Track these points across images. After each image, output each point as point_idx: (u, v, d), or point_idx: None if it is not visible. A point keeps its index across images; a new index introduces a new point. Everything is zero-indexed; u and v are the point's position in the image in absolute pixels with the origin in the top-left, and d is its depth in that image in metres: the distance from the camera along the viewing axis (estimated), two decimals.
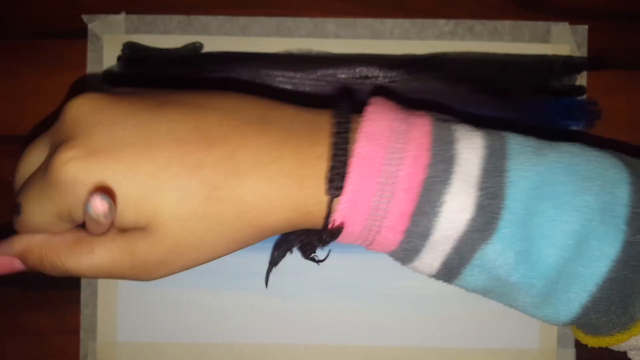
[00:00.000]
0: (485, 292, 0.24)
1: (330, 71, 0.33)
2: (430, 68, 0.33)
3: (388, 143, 0.22)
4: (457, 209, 0.21)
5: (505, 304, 0.24)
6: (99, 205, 0.19)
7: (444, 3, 0.33)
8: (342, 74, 0.33)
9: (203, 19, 0.33)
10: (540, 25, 0.33)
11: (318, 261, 0.25)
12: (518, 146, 0.23)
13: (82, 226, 0.23)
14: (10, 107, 0.33)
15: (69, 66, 0.33)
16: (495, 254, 0.22)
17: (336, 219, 0.22)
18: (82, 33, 0.33)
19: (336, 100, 0.24)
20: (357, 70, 0.33)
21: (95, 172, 0.20)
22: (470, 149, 0.22)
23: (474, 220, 0.21)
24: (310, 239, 0.24)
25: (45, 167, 0.21)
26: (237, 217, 0.21)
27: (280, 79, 0.33)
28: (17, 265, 0.23)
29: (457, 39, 0.33)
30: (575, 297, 0.22)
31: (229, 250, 0.23)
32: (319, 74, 0.33)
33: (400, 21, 0.33)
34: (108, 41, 0.33)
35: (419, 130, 0.22)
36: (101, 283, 0.33)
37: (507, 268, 0.22)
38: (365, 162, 0.22)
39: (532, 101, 0.33)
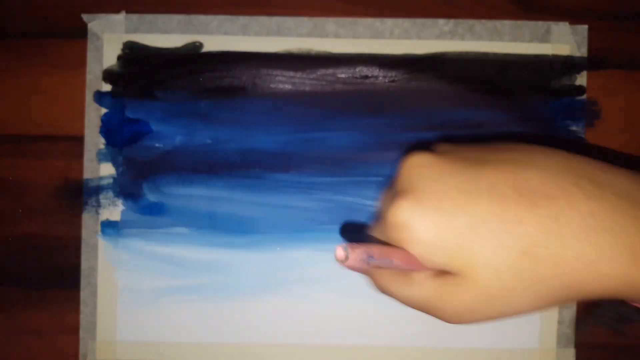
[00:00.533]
0: None
1: (330, 71, 0.33)
2: (430, 68, 0.33)
3: None
4: None
5: None
6: (338, 253, 0.22)
7: (444, 3, 0.33)
8: (342, 74, 0.33)
9: (203, 18, 0.33)
10: (540, 25, 0.33)
11: (623, 334, 0.25)
12: None
13: None
14: (11, 106, 0.33)
15: (69, 65, 0.33)
16: None
17: None
18: (82, 32, 0.33)
19: None
20: (357, 69, 0.33)
21: (419, 218, 0.22)
22: None
23: None
24: (629, 311, 0.24)
25: (385, 211, 0.24)
26: (554, 276, 0.21)
27: (280, 78, 0.33)
28: (365, 271, 0.25)
29: (457, 39, 0.33)
30: None
31: (536, 308, 0.23)
32: (318, 73, 0.33)
33: (400, 21, 0.33)
34: (108, 40, 0.33)
35: None
36: (101, 283, 0.33)
37: None
38: None
39: (532, 101, 0.33)
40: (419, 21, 0.33)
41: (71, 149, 0.33)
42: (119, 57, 0.33)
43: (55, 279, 0.33)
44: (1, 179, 0.33)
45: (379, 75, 0.33)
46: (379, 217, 0.25)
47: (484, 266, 0.22)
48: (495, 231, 0.21)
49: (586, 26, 0.33)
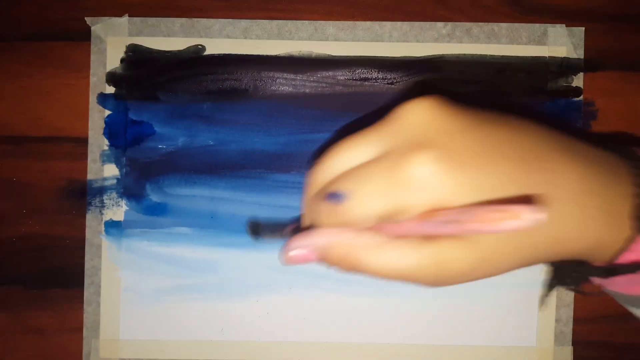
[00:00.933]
0: None
1: (330, 73, 0.33)
2: (429, 70, 0.33)
3: None
4: None
5: None
6: (534, 214, 0.19)
7: (442, 6, 0.33)
8: (342, 76, 0.33)
9: (205, 21, 0.33)
10: (537, 27, 0.33)
11: (584, 293, 0.25)
12: None
13: None
14: (14, 108, 0.33)
15: (73, 68, 0.33)
16: None
17: (632, 257, 0.22)
18: (85, 35, 0.33)
19: (625, 148, 0.24)
20: (357, 72, 0.33)
21: (445, 177, 0.20)
22: None
23: None
24: (593, 271, 0.24)
25: (393, 164, 0.21)
26: (545, 239, 0.22)
27: (281, 81, 0.33)
28: (312, 258, 0.22)
29: (455, 42, 0.33)
30: None
31: (520, 266, 0.22)
32: (319, 75, 0.33)
33: (398, 24, 0.33)
34: (111, 43, 0.33)
35: None
36: (104, 282, 0.33)
37: None
38: None
39: (529, 102, 0.33)
40: (418, 24, 0.33)
41: (75, 150, 0.33)
42: (122, 60, 0.33)
43: (59, 279, 0.34)
44: (5, 180, 0.34)
45: (378, 78, 0.33)
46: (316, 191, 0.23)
47: None
48: (505, 193, 0.21)
49: (582, 28, 0.33)
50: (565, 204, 0.21)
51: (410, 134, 0.21)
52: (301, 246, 0.22)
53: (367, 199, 0.21)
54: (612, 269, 0.23)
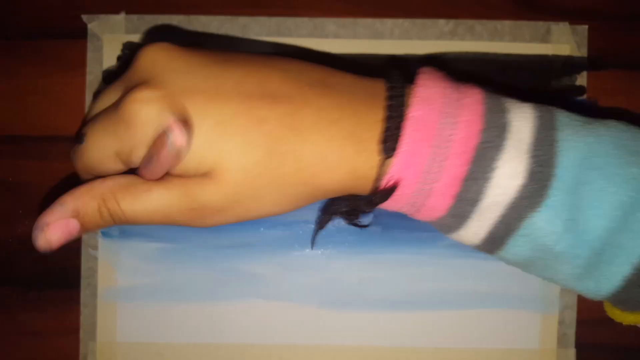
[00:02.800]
0: (527, 264, 0.24)
1: None
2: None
3: (442, 108, 0.22)
4: (508, 174, 0.22)
5: (545, 277, 0.25)
6: (178, 136, 0.20)
7: (444, 3, 0.33)
8: None
9: (203, 18, 0.33)
10: (541, 25, 0.33)
11: (362, 226, 0.25)
12: (567, 119, 0.23)
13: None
14: (10, 107, 0.33)
15: (69, 66, 0.33)
16: (543, 222, 0.22)
17: (388, 180, 0.22)
18: (82, 33, 0.33)
19: (387, 69, 0.24)
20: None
21: (166, 114, 0.21)
22: (522, 118, 0.23)
23: (525, 186, 0.22)
24: (358, 202, 0.24)
25: (117, 104, 0.22)
26: (295, 173, 0.22)
27: None
28: (74, 227, 0.22)
29: (457, 39, 0.33)
30: (619, 270, 0.22)
31: (282, 207, 0.23)
32: None
33: (400, 21, 0.33)
34: (108, 41, 0.33)
35: (471, 98, 0.23)
36: (101, 283, 0.33)
37: (554, 237, 0.22)
38: (420, 125, 0.22)
39: (532, 101, 0.33)
40: (419, 22, 0.33)
41: (71, 149, 0.33)
42: (119, 58, 0.33)
43: (56, 280, 0.33)
44: (1, 179, 0.33)
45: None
46: (105, 115, 0.23)
47: (233, 165, 0.21)
48: (243, 129, 0.21)
49: (586, 26, 0.33)
50: (309, 135, 0.22)
51: (139, 76, 0.22)
52: (51, 221, 0.22)
53: (97, 139, 0.22)
54: (371, 198, 0.23)
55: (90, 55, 0.33)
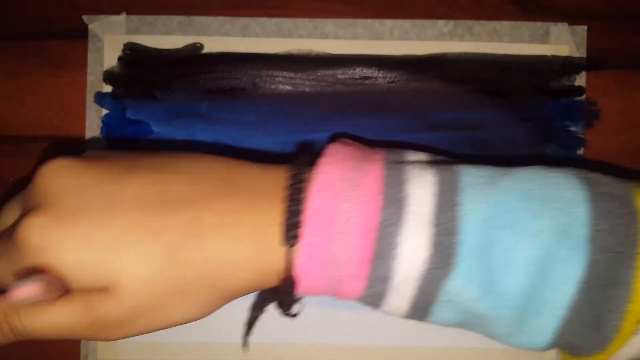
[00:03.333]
0: (460, 325, 0.24)
1: (329, 72, 0.33)
2: (430, 69, 0.33)
3: (340, 192, 0.22)
4: (412, 248, 0.22)
5: (484, 335, 0.25)
6: (20, 293, 0.20)
7: (443, 4, 0.33)
8: (342, 75, 0.33)
9: (203, 19, 0.33)
10: (540, 25, 0.33)
11: (293, 315, 0.25)
12: (470, 177, 0.23)
13: None
14: (11, 107, 0.33)
15: (70, 66, 0.33)
16: (458, 288, 0.22)
17: (296, 273, 0.23)
18: (82, 33, 0.33)
19: (295, 154, 0.25)
20: (357, 70, 0.33)
21: (56, 238, 0.21)
22: (421, 187, 0.22)
23: (431, 257, 0.22)
24: (272, 297, 0.24)
25: (12, 230, 0.22)
26: (200, 278, 0.22)
27: (280, 79, 0.33)
28: None
29: (457, 40, 0.33)
30: (547, 322, 0.22)
31: (192, 314, 0.23)
32: (318, 74, 0.33)
33: (399, 22, 0.33)
34: (108, 42, 0.33)
35: (370, 175, 0.23)
36: None
37: (473, 301, 0.22)
38: (319, 214, 0.22)
39: (531, 102, 0.33)
40: (419, 22, 0.33)
41: (72, 149, 0.33)
42: (120, 59, 0.33)
43: None
44: (2, 179, 0.33)
45: (379, 77, 0.33)
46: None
47: (130, 278, 0.21)
48: (139, 241, 0.21)
49: (585, 27, 0.33)
50: (212, 239, 0.22)
51: (35, 197, 0.22)
52: None
53: None
54: (282, 290, 0.23)
55: (90, 55, 0.33)
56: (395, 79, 0.33)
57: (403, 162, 0.24)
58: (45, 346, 0.34)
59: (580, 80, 0.33)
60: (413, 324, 0.33)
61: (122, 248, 0.21)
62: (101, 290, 0.22)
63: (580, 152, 0.33)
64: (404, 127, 0.33)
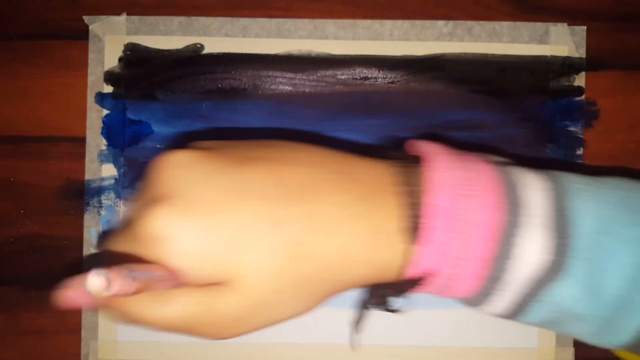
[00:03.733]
0: (546, 324, 0.25)
1: (330, 72, 0.33)
2: (430, 69, 0.33)
3: (459, 190, 0.22)
4: (530, 250, 0.22)
5: (560, 332, 0.25)
6: (95, 282, 0.18)
7: (443, 4, 0.33)
8: (342, 75, 0.33)
9: (204, 20, 0.33)
10: (539, 26, 0.33)
11: (393, 311, 0.25)
12: (573, 185, 0.23)
13: None
14: (12, 107, 0.33)
15: (71, 67, 0.33)
16: (563, 289, 0.22)
17: (417, 270, 0.22)
18: (83, 34, 0.33)
19: (390, 150, 0.24)
20: (357, 71, 0.33)
21: (185, 228, 0.21)
22: (534, 191, 0.23)
23: (546, 260, 0.22)
24: (386, 292, 0.24)
25: (136, 221, 0.21)
26: (317, 272, 0.22)
27: (280, 80, 0.33)
28: (85, 302, 0.22)
29: (456, 40, 0.33)
30: (633, 324, 0.23)
31: (306, 307, 0.23)
32: (318, 74, 0.33)
33: (399, 22, 0.33)
34: (109, 42, 0.33)
35: (485, 175, 0.23)
36: None
37: (573, 302, 0.23)
38: (442, 212, 0.22)
39: (531, 102, 0.33)
40: (418, 23, 0.33)
41: (73, 150, 0.33)
42: (121, 59, 0.33)
43: (57, 279, 0.33)
44: (3, 179, 0.33)
45: (379, 77, 0.33)
46: (126, 228, 0.22)
47: (252, 272, 0.21)
48: (261, 234, 0.21)
49: (584, 27, 0.33)
50: (330, 233, 0.21)
51: (156, 190, 0.22)
52: (74, 287, 0.21)
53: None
54: (399, 286, 0.23)
55: (91, 56, 0.33)
56: (395, 80, 0.33)
57: (506, 164, 0.24)
58: (45, 346, 0.34)
59: (580, 80, 0.33)
60: (413, 324, 0.33)
61: (245, 240, 0.21)
62: (219, 284, 0.21)
63: (580, 152, 0.33)
64: (404, 127, 0.33)
